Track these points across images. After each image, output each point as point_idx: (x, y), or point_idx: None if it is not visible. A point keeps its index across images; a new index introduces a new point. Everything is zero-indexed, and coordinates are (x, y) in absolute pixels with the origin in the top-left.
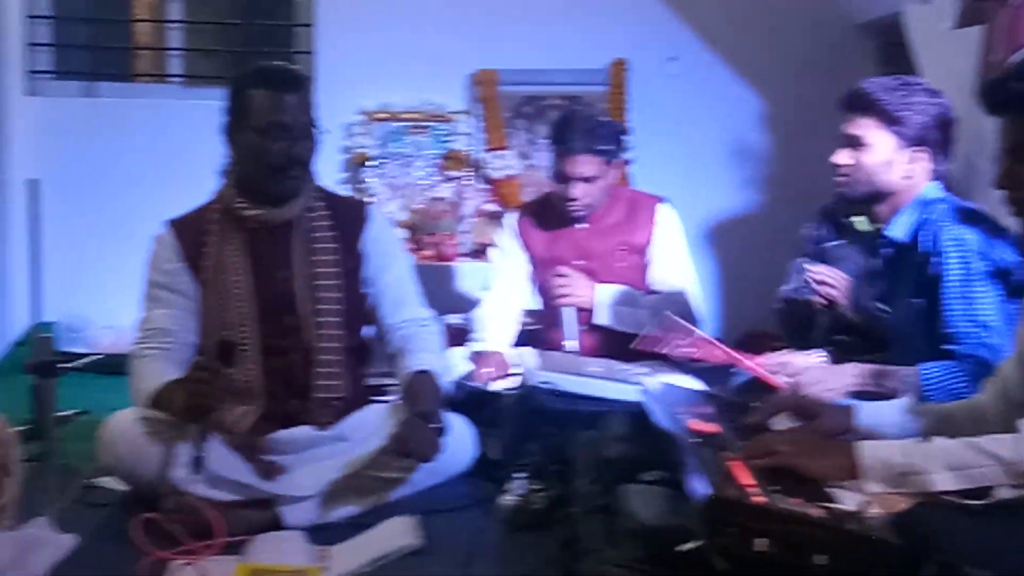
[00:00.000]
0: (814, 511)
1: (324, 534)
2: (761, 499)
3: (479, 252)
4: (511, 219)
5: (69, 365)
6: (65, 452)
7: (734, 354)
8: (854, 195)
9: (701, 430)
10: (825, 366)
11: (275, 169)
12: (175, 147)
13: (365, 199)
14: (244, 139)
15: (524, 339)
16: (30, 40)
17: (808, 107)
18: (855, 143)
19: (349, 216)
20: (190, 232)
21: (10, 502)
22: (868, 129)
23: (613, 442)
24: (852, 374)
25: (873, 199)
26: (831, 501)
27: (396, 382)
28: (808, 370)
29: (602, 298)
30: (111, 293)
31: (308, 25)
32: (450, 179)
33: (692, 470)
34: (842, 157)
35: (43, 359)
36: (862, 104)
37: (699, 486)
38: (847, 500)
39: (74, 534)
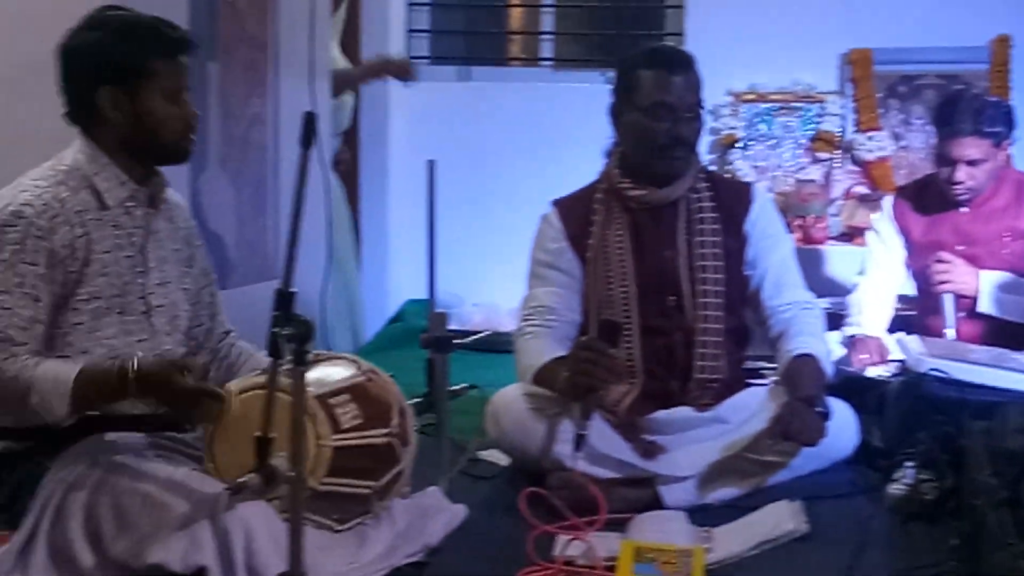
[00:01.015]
0: None
1: (704, 515)
2: None
3: (848, 235)
4: (887, 202)
5: (462, 342)
6: (452, 425)
7: None
8: None
9: None
10: None
11: (660, 149)
12: (545, 129)
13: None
14: (630, 119)
15: (898, 325)
16: (410, 27)
17: None
18: None
19: (734, 197)
20: (575, 212)
21: (406, 470)
22: None
23: (1014, 433)
24: None
25: None
26: None
27: (774, 365)
28: None
29: (986, 285)
30: (479, 272)
31: (678, 7)
32: (819, 161)
33: None
34: None
35: (439, 334)
36: None
37: None
38: None
39: (462, 504)
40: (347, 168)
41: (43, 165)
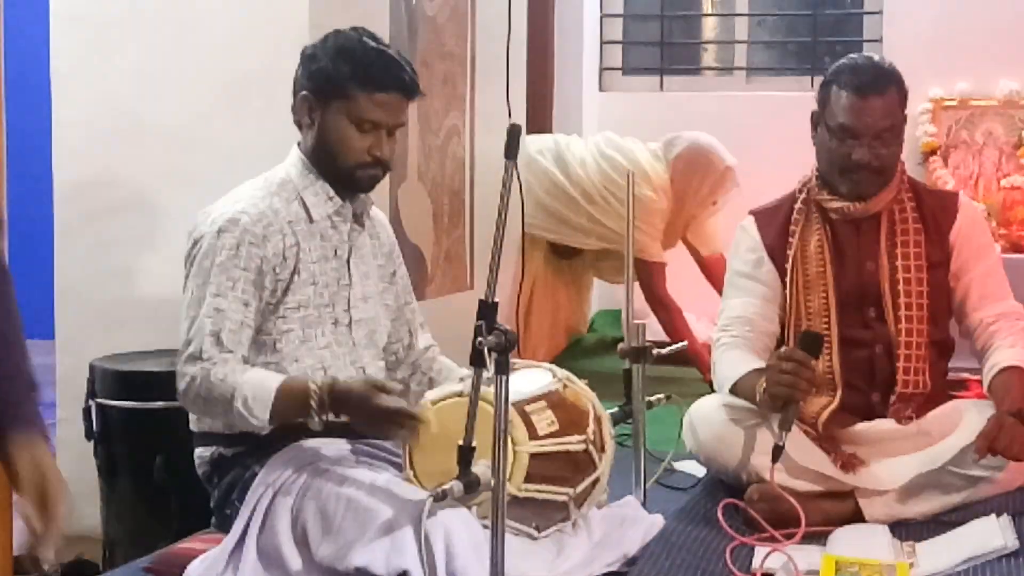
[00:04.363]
0: None
1: (906, 529)
2: None
3: None
4: None
5: (660, 352)
6: (648, 435)
7: None
8: None
9: None
10: None
11: (839, 171)
12: (739, 138)
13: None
14: (820, 133)
15: None
16: (603, 38)
17: None
18: None
19: (938, 208)
20: (773, 222)
21: (603, 477)
22: None
23: None
24: None
25: None
26: None
27: (979, 377)
28: None
29: None
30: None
31: (877, 12)
32: None
33: None
34: None
35: (637, 345)
36: None
37: None
38: None
39: (659, 515)
40: None
41: (258, 177)
